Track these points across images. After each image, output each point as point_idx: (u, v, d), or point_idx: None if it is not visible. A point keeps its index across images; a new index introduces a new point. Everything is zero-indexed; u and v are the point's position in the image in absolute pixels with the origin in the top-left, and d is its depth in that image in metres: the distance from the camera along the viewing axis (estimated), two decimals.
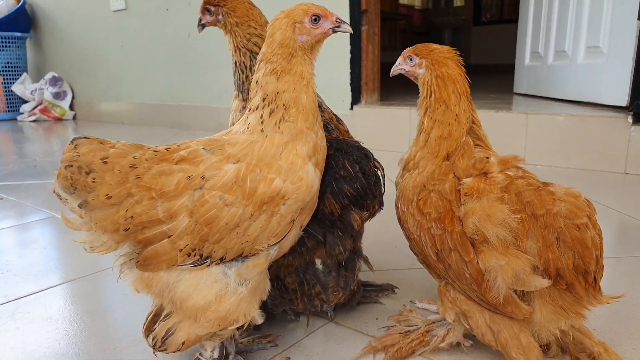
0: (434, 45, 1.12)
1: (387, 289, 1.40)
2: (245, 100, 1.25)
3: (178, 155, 0.93)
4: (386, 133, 3.53)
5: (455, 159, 1.06)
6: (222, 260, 0.94)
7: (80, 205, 0.90)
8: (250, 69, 1.23)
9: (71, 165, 0.88)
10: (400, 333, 1.15)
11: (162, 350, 0.99)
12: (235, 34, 1.23)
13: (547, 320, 0.96)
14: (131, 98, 5.58)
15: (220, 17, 1.26)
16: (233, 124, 1.35)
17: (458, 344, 1.10)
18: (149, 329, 1.01)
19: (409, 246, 1.15)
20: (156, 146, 0.97)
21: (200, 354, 1.04)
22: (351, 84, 3.69)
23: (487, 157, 1.05)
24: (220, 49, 4.54)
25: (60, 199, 0.91)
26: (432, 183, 1.05)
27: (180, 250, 0.91)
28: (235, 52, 1.25)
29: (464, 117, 1.07)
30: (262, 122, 0.95)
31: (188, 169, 0.92)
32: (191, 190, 0.90)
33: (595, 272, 0.92)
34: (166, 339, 0.98)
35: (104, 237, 0.92)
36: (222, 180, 0.91)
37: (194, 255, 0.92)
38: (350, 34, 0.90)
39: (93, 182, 0.88)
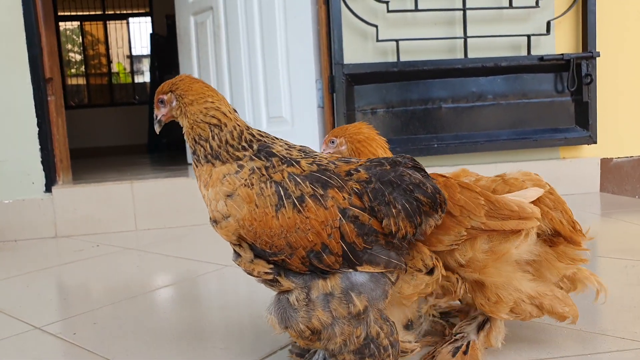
0: (345, 126, 1.43)
1: None
2: (231, 159, 1.09)
3: None
4: (106, 214, 3.05)
5: None
6: None
7: None
8: (210, 139, 1.12)
9: None
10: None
11: None
12: (190, 113, 1.15)
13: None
14: None
15: (174, 103, 1.17)
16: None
17: None
18: None
19: None
20: None
21: None
22: (43, 162, 3.00)
23: None
24: None
25: None
26: None
27: None
28: (192, 128, 1.15)
29: None
30: None
31: None
32: None
33: None
34: None
35: None
36: None
37: None
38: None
39: None
